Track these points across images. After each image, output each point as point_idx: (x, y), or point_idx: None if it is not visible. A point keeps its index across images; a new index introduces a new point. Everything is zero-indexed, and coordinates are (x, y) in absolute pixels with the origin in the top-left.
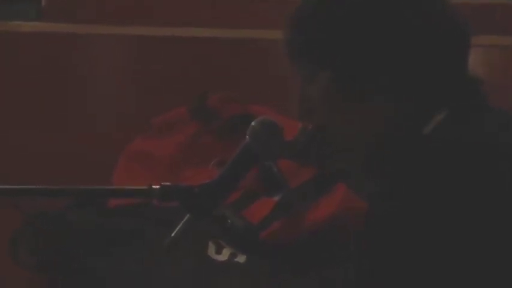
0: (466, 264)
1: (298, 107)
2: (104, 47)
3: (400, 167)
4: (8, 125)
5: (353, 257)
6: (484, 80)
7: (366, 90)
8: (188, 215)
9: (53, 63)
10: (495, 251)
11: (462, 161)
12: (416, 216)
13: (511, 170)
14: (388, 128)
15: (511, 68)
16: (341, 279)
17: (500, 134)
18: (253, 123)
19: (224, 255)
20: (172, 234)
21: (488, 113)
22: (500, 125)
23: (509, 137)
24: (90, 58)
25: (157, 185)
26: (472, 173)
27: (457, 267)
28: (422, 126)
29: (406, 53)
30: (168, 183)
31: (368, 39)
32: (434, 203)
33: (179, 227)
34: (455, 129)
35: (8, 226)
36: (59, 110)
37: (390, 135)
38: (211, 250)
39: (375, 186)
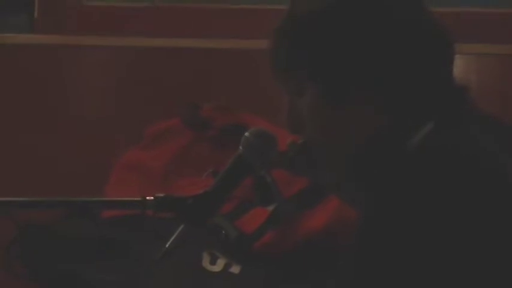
0: (456, 276)
1: (287, 121)
2: (97, 58)
3: (388, 180)
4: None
5: (341, 268)
6: (470, 87)
7: (354, 103)
8: (182, 226)
9: (46, 75)
10: (485, 261)
11: (448, 172)
12: (403, 229)
13: (497, 179)
14: (376, 140)
15: (502, 76)
16: None
17: (486, 143)
18: (246, 133)
19: (218, 266)
20: (167, 245)
21: (475, 122)
22: (487, 134)
23: (494, 146)
24: (82, 69)
25: (151, 196)
26: (459, 184)
27: (446, 280)
28: (410, 137)
29: (392, 65)
30: (161, 195)
31: (353, 53)
32: (421, 216)
33: (173, 237)
34: (442, 140)
35: (2, 236)
36: (51, 121)
37: (379, 147)
38: (205, 261)
39: (364, 200)
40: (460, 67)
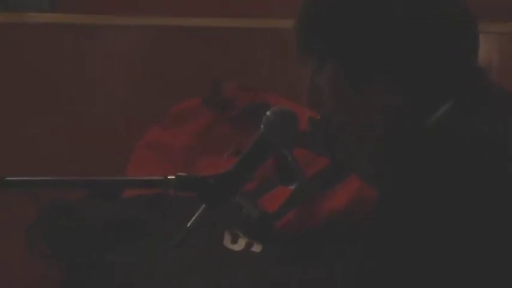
0: (473, 258)
1: (308, 96)
2: (116, 37)
3: (406, 158)
4: (20, 115)
5: (360, 247)
6: (490, 68)
7: (372, 81)
8: (204, 205)
9: (66, 54)
10: (501, 244)
11: (466, 152)
12: (423, 208)
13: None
14: (394, 119)
15: None
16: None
17: (504, 125)
18: (268, 112)
19: (240, 245)
20: (188, 225)
21: (493, 103)
22: (505, 115)
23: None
24: (103, 48)
25: (173, 176)
26: (476, 164)
27: (464, 260)
28: (428, 116)
29: (412, 44)
30: (183, 174)
31: (374, 30)
32: (440, 195)
33: (195, 217)
34: (460, 119)
35: (24, 216)
36: (71, 101)
37: (396, 126)
38: (227, 240)
39: (382, 178)
40: (481, 45)
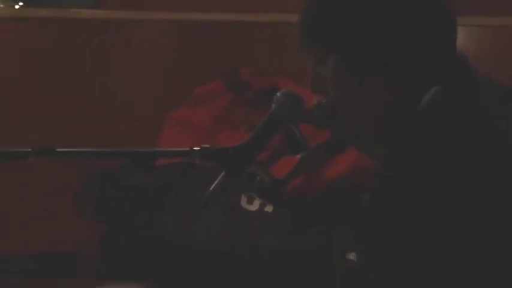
0: (471, 243)
1: (311, 83)
2: (159, 32)
3: (399, 143)
4: (66, 107)
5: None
6: (471, 57)
7: (371, 75)
8: (223, 172)
9: (109, 49)
10: (492, 225)
11: (456, 135)
12: (417, 191)
13: (502, 142)
14: (387, 106)
15: (499, 46)
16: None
17: (491, 107)
18: (278, 93)
19: (255, 206)
20: (211, 189)
21: (479, 87)
22: (491, 98)
23: (498, 110)
24: (143, 43)
25: (198, 147)
26: (466, 146)
27: (463, 246)
28: (417, 103)
29: (410, 38)
30: (206, 146)
31: (374, 25)
32: (432, 179)
33: (216, 182)
34: (448, 104)
35: (72, 183)
36: (114, 93)
37: (390, 112)
38: (243, 201)
39: (382, 159)
40: (461, 38)
